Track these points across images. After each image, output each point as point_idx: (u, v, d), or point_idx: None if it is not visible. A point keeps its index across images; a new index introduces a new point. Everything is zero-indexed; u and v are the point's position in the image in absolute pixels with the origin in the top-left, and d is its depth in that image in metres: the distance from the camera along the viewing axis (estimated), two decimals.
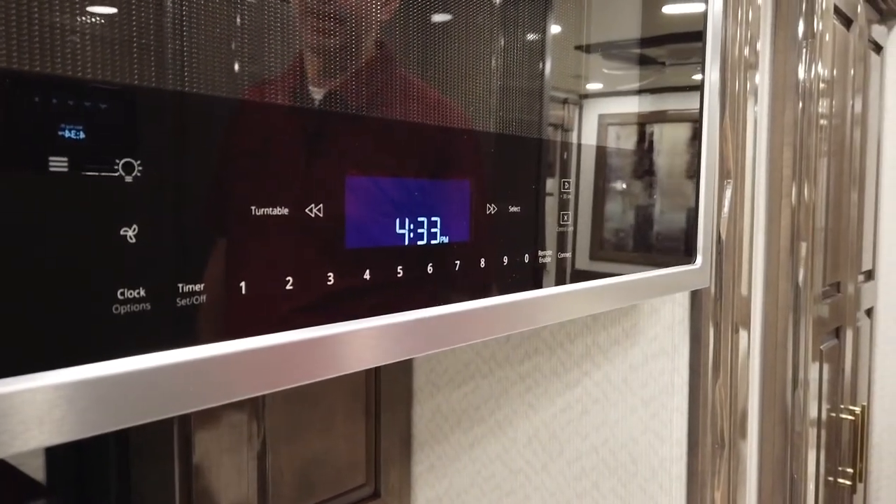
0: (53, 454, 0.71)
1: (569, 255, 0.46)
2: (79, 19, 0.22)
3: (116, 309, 0.23)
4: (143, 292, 0.24)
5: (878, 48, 1.46)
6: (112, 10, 0.23)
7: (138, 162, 0.24)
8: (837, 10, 1.16)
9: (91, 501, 0.74)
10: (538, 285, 0.43)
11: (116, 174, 0.23)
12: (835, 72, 1.14)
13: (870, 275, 1.48)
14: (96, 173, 0.23)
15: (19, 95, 0.21)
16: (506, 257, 0.41)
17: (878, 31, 1.44)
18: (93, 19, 0.22)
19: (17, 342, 0.21)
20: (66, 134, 0.22)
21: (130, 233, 0.23)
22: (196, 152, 0.26)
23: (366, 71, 0.32)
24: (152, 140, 0.24)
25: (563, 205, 0.45)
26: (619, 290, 0.52)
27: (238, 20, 0.27)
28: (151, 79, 0.24)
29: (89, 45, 0.22)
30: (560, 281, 0.46)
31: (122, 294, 0.23)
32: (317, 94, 0.30)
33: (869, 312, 1.49)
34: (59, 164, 0.22)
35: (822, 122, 1.07)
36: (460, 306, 0.37)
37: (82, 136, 0.22)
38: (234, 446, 0.75)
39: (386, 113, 0.33)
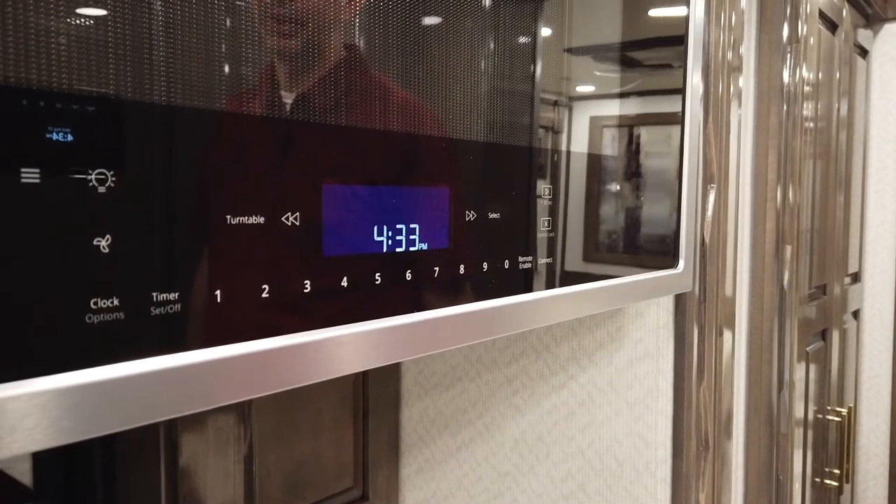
0: (40, 458, 0.71)
1: (550, 260, 0.47)
2: (53, 27, 0.22)
3: (90, 318, 0.23)
4: (116, 301, 0.24)
5: (864, 52, 1.48)
6: (86, 22, 0.23)
7: (111, 173, 0.24)
8: (823, 15, 1.17)
9: None
10: (519, 290, 0.44)
11: (89, 185, 0.23)
12: (820, 75, 1.15)
13: (856, 277, 1.49)
14: (68, 184, 0.23)
15: None
16: (486, 263, 0.41)
17: (863, 35, 1.45)
18: (66, 29, 0.23)
19: None
20: (37, 145, 0.22)
21: (104, 242, 0.24)
22: (170, 162, 0.26)
23: (342, 78, 0.32)
24: (125, 151, 0.25)
25: (543, 211, 0.46)
26: (601, 294, 0.52)
27: (209, 31, 0.27)
28: (127, 91, 0.24)
29: (65, 56, 0.23)
30: (541, 286, 0.46)
31: (96, 304, 0.24)
32: (290, 101, 0.30)
33: (856, 314, 1.50)
34: (30, 175, 0.22)
35: (808, 125, 1.08)
36: (440, 312, 0.38)
37: (53, 147, 0.23)
38: (220, 450, 0.75)
39: (361, 121, 0.33)
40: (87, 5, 0.23)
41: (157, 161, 0.26)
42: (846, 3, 1.31)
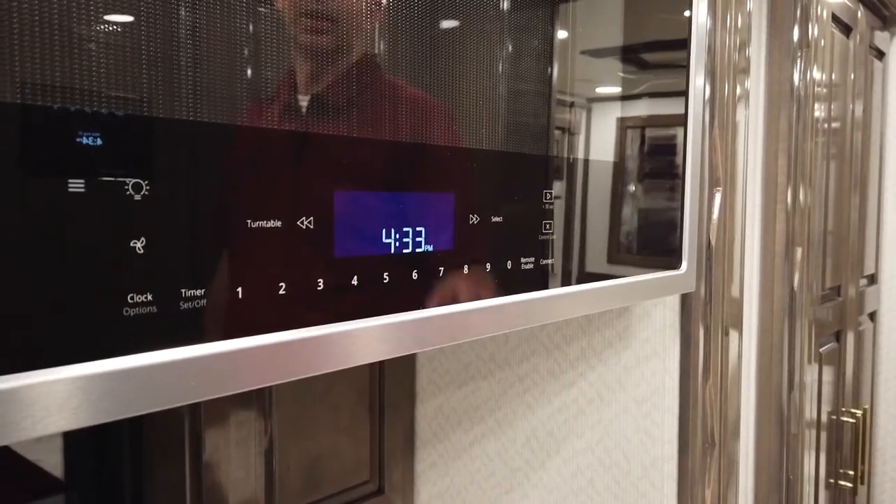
0: (71, 451, 0.75)
1: (552, 261, 0.49)
2: (93, 46, 0.25)
3: (126, 311, 0.26)
4: (150, 297, 0.27)
5: (881, 54, 1.47)
6: (118, 38, 0.26)
7: (146, 182, 0.27)
8: (836, 19, 1.18)
9: (107, 496, 0.77)
10: (521, 290, 0.46)
11: (127, 193, 0.26)
12: (833, 76, 1.15)
13: (873, 279, 1.49)
14: (108, 193, 0.26)
15: (44, 132, 0.24)
16: (489, 264, 0.43)
17: (880, 37, 1.45)
18: (103, 46, 0.26)
19: (40, 340, 0.25)
20: (81, 159, 0.25)
21: (139, 244, 0.27)
22: (197, 173, 0.29)
23: (356, 98, 0.35)
24: (158, 163, 0.28)
25: (545, 214, 0.48)
26: (604, 293, 0.54)
27: (235, 56, 0.30)
28: (159, 110, 0.27)
29: (104, 76, 0.26)
30: (543, 286, 0.48)
31: (132, 298, 0.27)
32: (305, 119, 0.33)
33: (872, 316, 1.50)
34: (76, 185, 0.25)
35: (822, 126, 1.09)
36: (445, 309, 0.40)
37: (95, 160, 0.26)
38: (242, 443, 0.78)
39: (371, 134, 0.36)
40: (125, 25, 0.26)
41: (186, 172, 0.29)
42: (861, 6, 1.31)
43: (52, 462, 0.73)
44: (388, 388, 0.94)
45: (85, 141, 0.25)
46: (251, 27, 0.30)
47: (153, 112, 0.27)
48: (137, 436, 0.76)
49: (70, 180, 0.25)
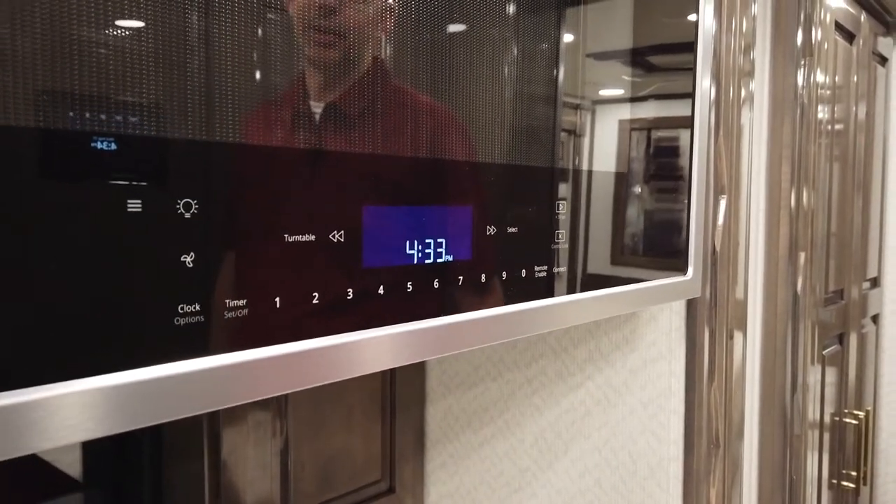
0: (90, 451, 0.77)
1: (565, 269, 0.51)
2: (142, 83, 0.28)
3: (177, 321, 0.29)
4: (198, 307, 0.29)
5: (884, 60, 1.49)
6: (164, 77, 0.28)
7: (195, 202, 0.29)
8: (839, 26, 1.20)
9: (125, 494, 0.79)
10: (535, 297, 0.48)
11: (178, 212, 0.29)
12: (836, 78, 1.17)
13: (875, 282, 1.51)
14: (162, 212, 0.28)
15: (103, 162, 0.27)
16: (505, 273, 0.46)
17: (883, 43, 1.47)
18: (151, 83, 0.28)
19: (100, 349, 0.27)
20: (138, 183, 0.28)
21: (189, 259, 0.29)
22: (239, 192, 0.31)
23: (379, 122, 0.37)
24: (206, 184, 0.30)
25: (557, 224, 0.50)
26: (612, 300, 0.56)
27: (273, 83, 0.32)
28: (202, 133, 0.30)
29: (172, 111, 0.28)
30: (556, 293, 0.50)
31: (182, 309, 0.29)
32: (337, 140, 0.35)
33: (875, 319, 1.52)
34: (134, 205, 0.27)
35: (825, 127, 1.10)
36: (464, 316, 0.42)
37: (150, 184, 0.28)
38: (258, 443, 0.80)
39: (397, 151, 0.38)
40: (165, 63, 0.28)
41: (230, 191, 0.31)
42: (864, 12, 1.33)
43: (69, 461, 0.75)
44: (399, 389, 0.96)
45: (142, 167, 0.28)
46: (280, 54, 0.33)
47: (199, 136, 0.30)
48: (156, 436, 0.78)
49: (128, 201, 0.27)
